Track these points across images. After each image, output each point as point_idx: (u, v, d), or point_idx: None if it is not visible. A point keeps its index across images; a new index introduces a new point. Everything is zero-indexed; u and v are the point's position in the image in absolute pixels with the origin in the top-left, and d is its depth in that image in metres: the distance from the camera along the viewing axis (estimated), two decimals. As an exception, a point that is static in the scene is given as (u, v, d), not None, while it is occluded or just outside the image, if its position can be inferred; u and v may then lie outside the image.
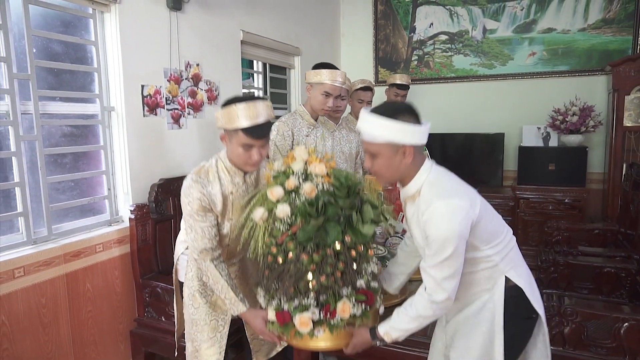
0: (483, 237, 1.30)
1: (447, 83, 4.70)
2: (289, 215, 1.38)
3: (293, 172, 1.45)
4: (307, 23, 4.33)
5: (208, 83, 3.02)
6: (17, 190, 2.03)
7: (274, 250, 1.40)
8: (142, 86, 2.52)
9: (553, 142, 4.09)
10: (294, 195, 1.42)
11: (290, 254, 1.36)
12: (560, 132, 4.02)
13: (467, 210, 1.22)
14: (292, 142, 2.32)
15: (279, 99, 4.18)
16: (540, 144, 4.13)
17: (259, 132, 1.55)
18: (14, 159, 2.01)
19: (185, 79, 2.83)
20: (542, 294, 2.52)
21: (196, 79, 2.91)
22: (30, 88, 2.05)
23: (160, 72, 2.64)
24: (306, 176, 1.45)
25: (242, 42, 3.36)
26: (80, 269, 2.21)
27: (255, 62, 3.85)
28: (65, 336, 2.16)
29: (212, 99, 3.06)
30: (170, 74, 2.71)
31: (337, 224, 1.36)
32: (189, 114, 2.88)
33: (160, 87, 2.65)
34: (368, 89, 3.30)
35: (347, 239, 1.37)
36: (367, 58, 4.99)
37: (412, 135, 1.26)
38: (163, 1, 2.63)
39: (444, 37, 4.65)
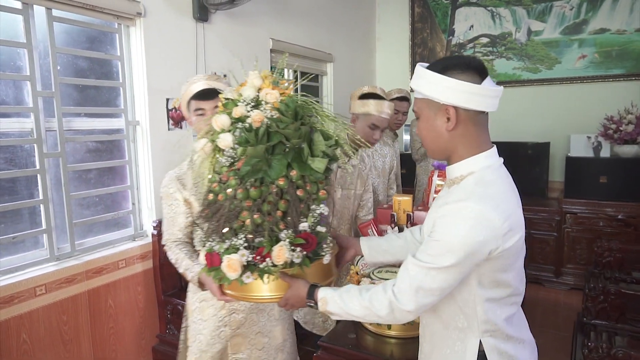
0: (486, 277, 1.03)
1: (488, 88, 4.45)
2: (232, 146, 1.20)
3: (243, 100, 1.25)
4: (340, 28, 4.21)
5: (235, 94, 2.97)
6: (42, 207, 2.04)
7: (215, 186, 1.22)
8: (167, 99, 2.50)
9: (605, 153, 3.78)
10: (241, 125, 1.22)
11: (230, 190, 1.19)
12: (613, 142, 3.70)
13: (498, 233, 0.95)
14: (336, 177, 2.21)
15: (311, 107, 4.08)
16: (591, 154, 3.82)
17: (206, 93, 1.61)
18: (38, 176, 2.02)
19: (212, 90, 2.78)
20: (590, 327, 2.31)
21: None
22: (55, 105, 2.06)
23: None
24: (258, 104, 1.24)
25: (271, 50, 3.30)
26: (103, 285, 2.21)
27: (285, 69, 3.78)
28: (87, 353, 2.15)
29: (239, 110, 3.01)
30: (196, 86, 2.67)
31: (283, 157, 1.17)
32: (215, 126, 2.83)
33: (186, 99, 2.61)
34: (404, 99, 3.17)
35: (293, 174, 1.18)
36: (403, 63, 4.82)
37: (457, 93, 1.00)
38: (189, 13, 2.60)
39: (485, 40, 4.41)
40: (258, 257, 1.15)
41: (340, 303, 1.11)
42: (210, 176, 1.25)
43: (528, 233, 4.00)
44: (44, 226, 2.05)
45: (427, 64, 1.07)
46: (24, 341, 1.89)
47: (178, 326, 2.35)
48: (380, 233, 2.11)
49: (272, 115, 1.20)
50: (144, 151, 2.44)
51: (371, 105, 2.09)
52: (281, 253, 1.14)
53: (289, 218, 1.18)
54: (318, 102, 1.31)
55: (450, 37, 4.57)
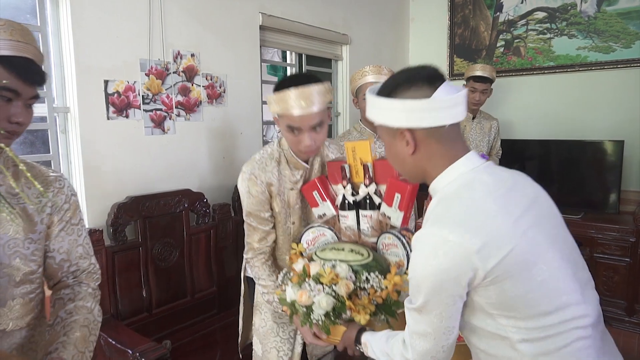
0: (511, 304, 0.86)
1: (544, 74, 3.61)
2: None
3: None
4: (359, 6, 3.58)
5: (209, 78, 2.46)
6: None
7: None
8: (106, 82, 2.04)
9: (703, 155, 2.85)
10: None
11: None
12: None
13: (465, 253, 0.83)
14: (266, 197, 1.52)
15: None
16: (682, 157, 2.90)
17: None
18: None
19: (174, 72, 2.30)
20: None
21: (190, 73, 2.37)
22: (-61, 84, 1.66)
23: (134, 64, 2.14)
24: None
25: (261, 27, 2.76)
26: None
27: (288, 52, 3.23)
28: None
29: (214, 97, 2.50)
30: (151, 67, 2.20)
31: None
32: (178, 115, 2.34)
33: (135, 82, 2.14)
34: (483, 79, 2.93)
35: None
36: (441, 47, 4.08)
37: (405, 114, 0.93)
38: (140, -24, 2.13)
39: (540, 15, 3.58)
40: None
41: (374, 344, 1.12)
42: None
43: (590, 256, 3.14)
44: None
45: (378, 88, 1.01)
46: None
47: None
48: (330, 195, 1.47)
49: None
50: (74, 144, 2.00)
51: (289, 99, 1.31)
52: None
53: None
54: None
55: (498, 14, 3.77)
